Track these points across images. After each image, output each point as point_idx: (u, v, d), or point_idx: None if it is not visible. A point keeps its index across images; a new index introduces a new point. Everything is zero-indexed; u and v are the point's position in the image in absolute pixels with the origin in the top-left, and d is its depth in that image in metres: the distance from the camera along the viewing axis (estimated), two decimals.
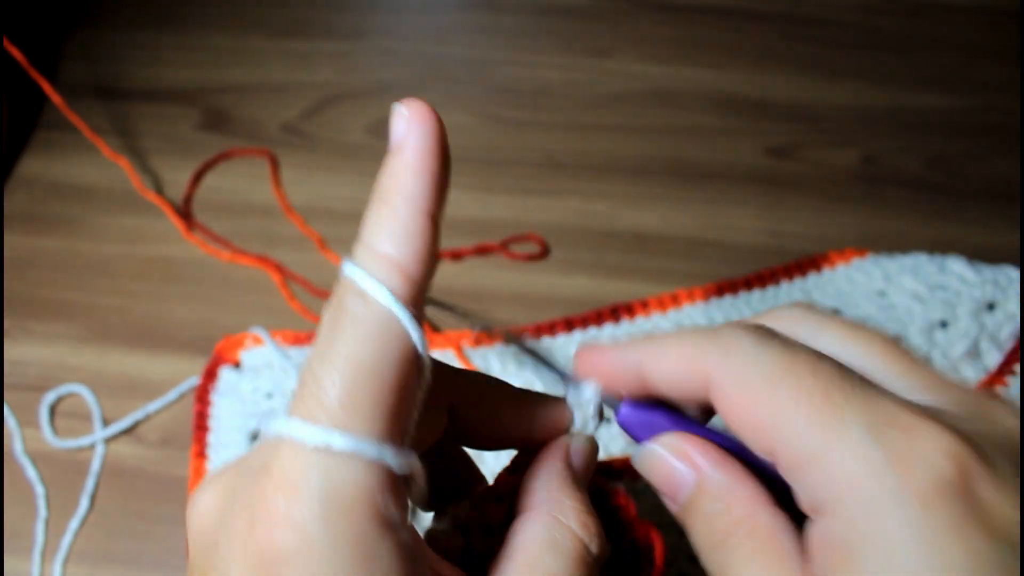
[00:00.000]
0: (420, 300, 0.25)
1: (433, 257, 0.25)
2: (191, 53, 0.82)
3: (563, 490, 0.29)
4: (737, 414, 0.26)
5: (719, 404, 0.27)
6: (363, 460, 0.23)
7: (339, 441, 0.23)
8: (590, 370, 0.31)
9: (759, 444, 0.25)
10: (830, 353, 0.26)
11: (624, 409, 0.31)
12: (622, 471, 0.35)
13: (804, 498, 0.24)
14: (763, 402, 0.24)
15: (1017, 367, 0.57)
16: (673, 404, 0.30)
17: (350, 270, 0.24)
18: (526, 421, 0.32)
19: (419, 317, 0.25)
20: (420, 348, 0.24)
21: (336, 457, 0.23)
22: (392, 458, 0.23)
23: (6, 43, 0.67)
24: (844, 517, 0.22)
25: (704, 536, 0.27)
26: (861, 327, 0.28)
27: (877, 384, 0.25)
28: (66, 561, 0.55)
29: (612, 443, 0.56)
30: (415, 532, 0.25)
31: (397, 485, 0.24)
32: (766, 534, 0.25)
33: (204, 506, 0.25)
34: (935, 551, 0.21)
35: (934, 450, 0.21)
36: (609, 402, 0.31)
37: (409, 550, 0.24)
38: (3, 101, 0.72)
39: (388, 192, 0.25)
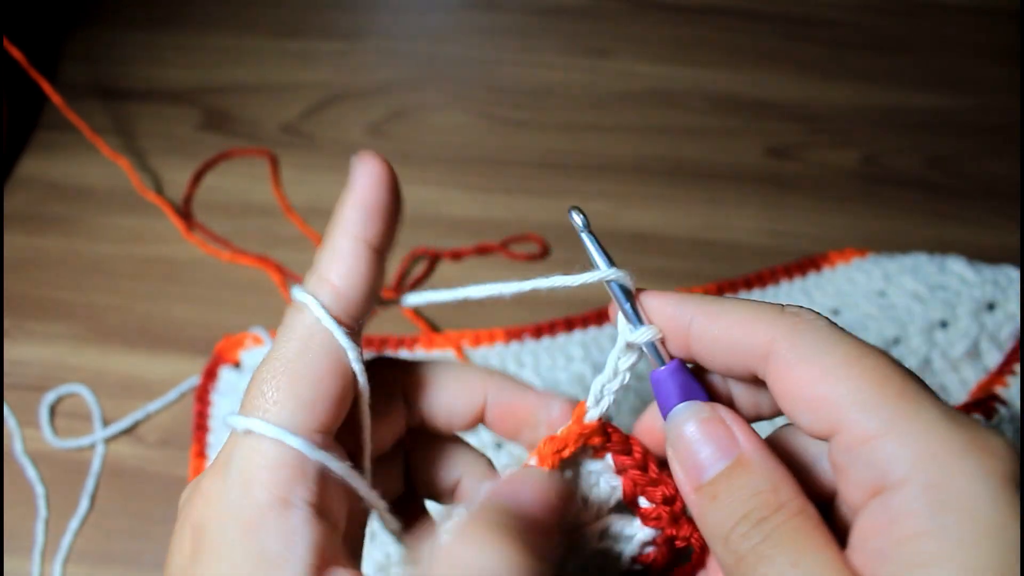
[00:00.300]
0: (355, 310, 0.29)
1: (369, 275, 0.29)
2: (191, 53, 0.82)
3: (483, 513, 0.27)
4: (798, 387, 0.26)
5: (777, 374, 0.26)
6: (271, 441, 0.27)
7: (256, 425, 0.27)
8: (649, 312, 0.30)
9: (817, 418, 0.25)
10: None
11: (671, 366, 0.29)
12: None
13: (863, 477, 0.24)
14: (834, 379, 0.25)
15: (1017, 367, 0.57)
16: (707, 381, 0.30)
17: (294, 291, 0.29)
18: (476, 397, 0.32)
19: (353, 323, 0.29)
20: (344, 345, 0.28)
21: (251, 438, 0.27)
22: (295, 440, 0.27)
23: (6, 43, 0.67)
24: (920, 490, 0.23)
25: (737, 512, 0.26)
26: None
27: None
28: (66, 561, 0.55)
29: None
30: (320, 520, 0.27)
31: (307, 471, 0.27)
32: (813, 518, 0.25)
33: (180, 501, 0.30)
34: (1010, 525, 0.22)
35: (1001, 446, 0.23)
36: (656, 354, 0.30)
37: (295, 531, 0.26)
38: (3, 101, 0.72)
39: (332, 224, 0.30)
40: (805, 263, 0.66)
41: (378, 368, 0.32)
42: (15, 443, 0.59)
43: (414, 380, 0.33)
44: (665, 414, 0.29)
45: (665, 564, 0.31)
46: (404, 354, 0.61)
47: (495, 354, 0.62)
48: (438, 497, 0.35)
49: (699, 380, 0.30)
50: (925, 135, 0.76)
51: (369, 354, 0.33)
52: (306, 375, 0.28)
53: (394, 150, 0.75)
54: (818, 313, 0.27)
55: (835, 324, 0.26)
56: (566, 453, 0.30)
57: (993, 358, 0.59)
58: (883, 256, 0.65)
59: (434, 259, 0.68)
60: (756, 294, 0.64)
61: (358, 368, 0.29)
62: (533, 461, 0.30)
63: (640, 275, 0.73)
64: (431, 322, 0.65)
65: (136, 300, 0.66)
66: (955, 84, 0.79)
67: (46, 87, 0.68)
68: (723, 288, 0.64)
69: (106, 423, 0.60)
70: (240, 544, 0.26)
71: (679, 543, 0.30)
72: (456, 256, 0.68)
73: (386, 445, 0.33)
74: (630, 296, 0.31)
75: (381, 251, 0.30)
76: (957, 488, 0.22)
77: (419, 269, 0.68)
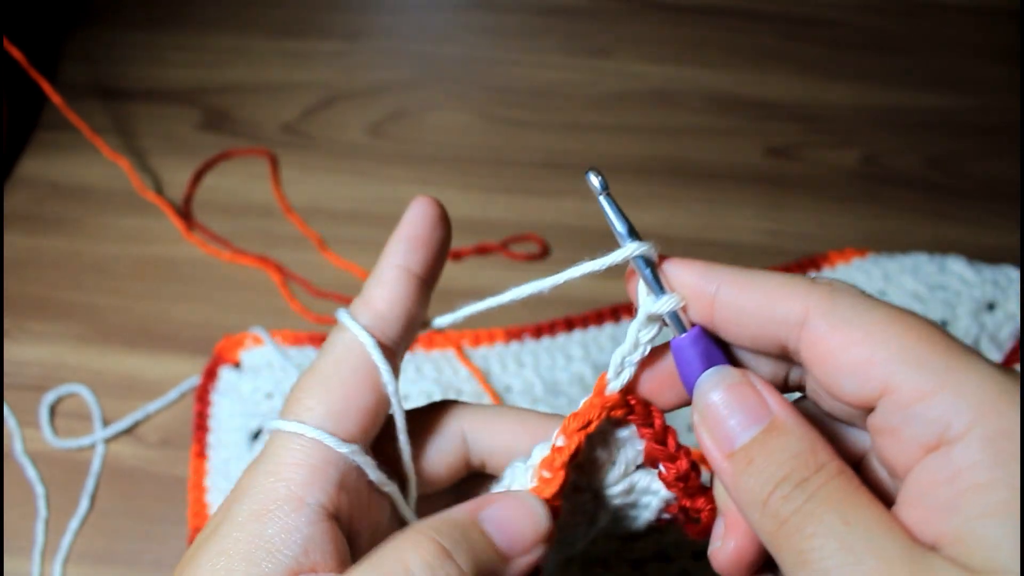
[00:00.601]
0: (393, 332, 0.31)
1: (410, 300, 0.32)
2: (191, 53, 0.82)
3: (431, 523, 0.27)
4: (838, 352, 0.25)
5: (813, 342, 0.26)
6: (299, 439, 0.29)
7: (283, 424, 0.29)
8: (672, 281, 0.30)
9: (862, 382, 0.25)
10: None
11: (693, 333, 0.29)
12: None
13: (918, 434, 0.24)
14: (878, 340, 0.24)
15: (1017, 367, 0.57)
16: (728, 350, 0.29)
17: (338, 312, 0.32)
18: (538, 438, 0.32)
19: (392, 344, 0.31)
20: (377, 361, 0.30)
21: (282, 437, 0.29)
22: (316, 432, 0.28)
23: (6, 43, 0.67)
24: (982, 441, 0.23)
25: (775, 476, 0.25)
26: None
27: None
28: (66, 561, 0.55)
29: None
30: (328, 524, 0.28)
31: (326, 472, 0.28)
32: (853, 477, 0.25)
33: None
34: None
35: None
36: (677, 323, 0.29)
37: (297, 528, 0.27)
38: (3, 101, 0.72)
39: (382, 256, 0.32)
40: (805, 263, 0.66)
41: (439, 408, 0.33)
42: (15, 443, 0.59)
43: (477, 420, 0.33)
44: (688, 382, 0.29)
45: (685, 521, 0.32)
46: (406, 355, 0.61)
47: (495, 354, 0.62)
48: None
49: (721, 347, 0.29)
50: (925, 135, 0.76)
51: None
52: (339, 387, 0.30)
53: (394, 150, 0.75)
54: (849, 284, 0.27)
55: (867, 293, 0.26)
56: (591, 429, 0.30)
57: (993, 358, 0.59)
58: (883, 256, 0.65)
59: None
60: None
61: (390, 386, 0.31)
62: (560, 440, 0.30)
63: None
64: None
65: (136, 300, 0.66)
66: (955, 84, 0.79)
67: (46, 87, 0.68)
68: None
69: (106, 423, 0.60)
70: (246, 526, 0.27)
71: (692, 515, 0.31)
72: (456, 256, 0.68)
73: (441, 479, 0.33)
74: (652, 266, 0.30)
75: (425, 279, 0.32)
76: (1020, 436, 0.22)
77: None
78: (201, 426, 0.59)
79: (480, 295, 0.72)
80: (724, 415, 0.27)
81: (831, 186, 0.73)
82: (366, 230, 0.70)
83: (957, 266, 0.63)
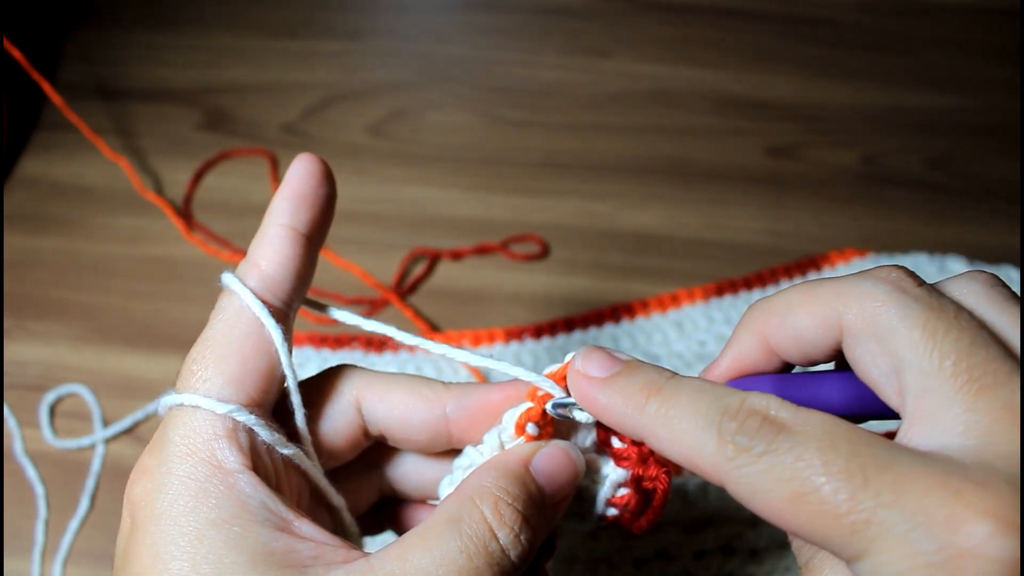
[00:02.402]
0: (283, 292, 0.31)
1: (297, 259, 0.31)
2: (191, 53, 0.82)
3: (494, 478, 0.28)
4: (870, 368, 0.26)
5: (854, 359, 0.26)
6: (202, 412, 0.28)
7: (185, 399, 0.28)
8: (717, 374, 0.30)
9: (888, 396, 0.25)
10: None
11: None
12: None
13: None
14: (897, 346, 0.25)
15: None
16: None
17: (223, 276, 0.31)
18: (434, 411, 0.32)
19: (283, 305, 0.31)
20: (267, 323, 0.30)
21: (184, 412, 0.28)
22: (222, 406, 0.28)
23: (6, 43, 0.67)
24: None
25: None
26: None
27: (920, 426, 0.24)
28: (66, 561, 0.55)
29: None
30: (262, 484, 0.28)
31: (238, 439, 0.28)
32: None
33: (127, 486, 0.31)
34: None
35: (982, 543, 0.21)
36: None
37: (244, 494, 0.27)
38: (3, 101, 0.72)
39: (266, 215, 0.31)
40: (805, 263, 0.66)
41: (333, 374, 0.33)
42: (15, 443, 0.59)
43: (370, 390, 0.33)
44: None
45: (635, 511, 0.32)
46: (403, 355, 0.61)
47: (495, 354, 0.62)
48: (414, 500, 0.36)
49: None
50: (925, 135, 0.76)
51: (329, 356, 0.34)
52: (232, 352, 0.29)
53: (394, 150, 0.75)
54: (879, 275, 0.26)
55: (903, 280, 0.26)
56: (535, 415, 0.31)
57: None
58: (883, 256, 0.65)
59: (434, 259, 0.68)
60: (756, 294, 0.64)
61: (282, 349, 0.30)
62: (509, 432, 0.31)
63: (640, 275, 0.73)
64: (431, 322, 0.65)
65: (136, 300, 0.66)
66: (955, 84, 0.79)
67: (46, 87, 0.68)
68: (723, 288, 0.64)
69: (106, 423, 0.60)
70: (187, 515, 0.27)
71: (646, 483, 0.31)
72: (456, 256, 0.68)
73: (340, 449, 0.33)
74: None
75: (311, 237, 0.32)
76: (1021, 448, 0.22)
77: (419, 269, 0.68)
78: None
79: (480, 295, 0.72)
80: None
81: (831, 186, 0.73)
82: (366, 230, 0.70)
83: (957, 266, 0.63)
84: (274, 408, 0.31)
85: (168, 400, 0.29)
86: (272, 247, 0.31)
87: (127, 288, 0.67)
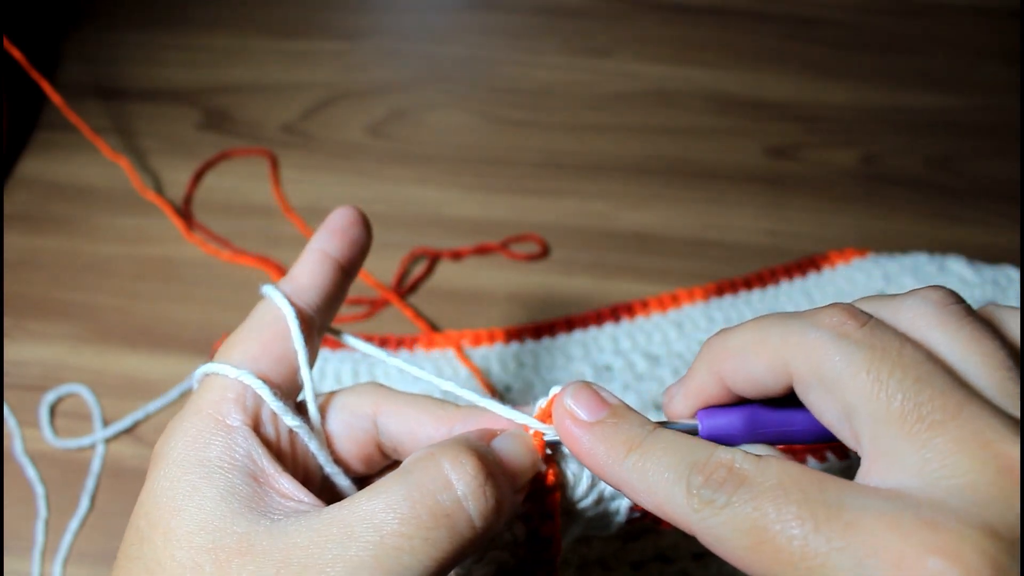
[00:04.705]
0: (314, 302, 0.35)
1: (329, 279, 0.35)
2: (191, 53, 0.82)
3: (458, 441, 0.29)
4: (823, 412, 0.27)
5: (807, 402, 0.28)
6: (220, 379, 0.31)
7: (206, 367, 0.32)
8: (681, 410, 0.31)
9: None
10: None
11: (704, 427, 0.30)
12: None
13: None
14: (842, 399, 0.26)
15: None
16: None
17: (263, 286, 0.35)
18: (442, 432, 0.33)
19: (312, 312, 0.34)
20: (289, 321, 0.33)
21: (205, 380, 0.32)
22: (233, 370, 0.31)
23: (6, 43, 0.67)
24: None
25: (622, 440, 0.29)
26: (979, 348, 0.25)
27: (877, 468, 0.24)
28: (66, 561, 0.55)
29: None
30: (256, 441, 0.30)
31: (246, 405, 0.31)
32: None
33: None
34: None
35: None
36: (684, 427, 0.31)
37: (236, 445, 0.30)
38: (3, 101, 0.72)
39: (308, 244, 0.36)
40: (805, 263, 0.66)
41: (358, 388, 0.35)
42: (15, 443, 0.59)
43: (387, 404, 0.34)
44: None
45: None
46: (404, 354, 0.61)
47: (495, 354, 0.62)
48: None
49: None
50: (925, 135, 0.76)
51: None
52: (256, 338, 0.33)
53: (394, 150, 0.75)
54: (827, 316, 0.27)
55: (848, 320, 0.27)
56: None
57: None
58: (883, 256, 0.65)
59: (434, 259, 0.68)
60: (756, 294, 0.64)
61: (298, 342, 0.33)
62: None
63: (640, 275, 0.73)
64: (431, 322, 0.65)
65: (136, 300, 0.66)
66: (955, 84, 0.79)
67: (46, 87, 0.68)
68: (723, 288, 0.64)
69: (106, 423, 0.60)
70: (184, 457, 0.29)
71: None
72: (456, 256, 0.68)
73: (354, 461, 0.34)
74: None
75: (344, 266, 0.36)
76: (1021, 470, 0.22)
77: (419, 269, 0.68)
78: None
79: (480, 295, 0.72)
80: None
81: (831, 186, 0.73)
82: None
83: (957, 266, 0.63)
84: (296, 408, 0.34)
85: (196, 374, 0.33)
86: (306, 265, 0.35)
87: (127, 288, 0.67)
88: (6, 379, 0.62)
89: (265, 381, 0.32)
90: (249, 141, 0.76)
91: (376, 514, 0.26)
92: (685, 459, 0.26)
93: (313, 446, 0.33)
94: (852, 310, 0.26)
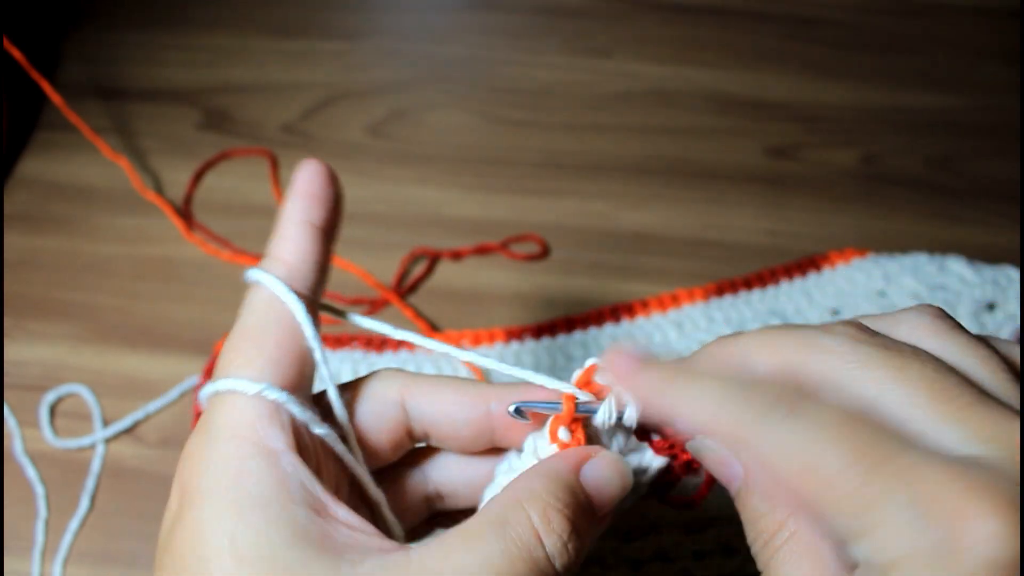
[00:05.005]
0: (308, 280, 0.32)
1: (317, 250, 0.32)
2: (191, 53, 0.82)
3: (545, 483, 0.28)
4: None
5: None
6: (243, 396, 0.29)
7: (224, 384, 0.29)
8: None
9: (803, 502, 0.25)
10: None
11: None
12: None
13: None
14: (802, 475, 0.24)
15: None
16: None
17: (248, 272, 0.32)
18: (476, 409, 0.32)
19: (309, 293, 0.31)
20: (295, 312, 0.30)
21: (225, 397, 0.29)
22: (276, 393, 0.29)
23: (6, 43, 0.67)
24: None
25: (751, 530, 0.28)
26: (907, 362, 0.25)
27: (917, 440, 0.24)
28: (66, 561, 0.55)
29: None
30: (304, 465, 0.28)
31: (282, 422, 0.29)
32: (808, 541, 0.26)
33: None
34: None
35: (983, 540, 0.21)
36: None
37: (286, 474, 0.27)
38: (3, 101, 0.72)
39: (280, 216, 0.33)
40: (805, 263, 0.66)
41: (376, 375, 0.33)
42: (15, 443, 0.59)
43: (415, 388, 0.33)
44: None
45: (683, 475, 0.32)
46: (404, 354, 0.62)
47: (495, 354, 0.62)
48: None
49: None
50: (925, 135, 0.76)
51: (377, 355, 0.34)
52: (268, 338, 0.30)
53: (394, 150, 0.75)
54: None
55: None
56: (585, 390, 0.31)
57: None
58: (883, 256, 0.65)
59: (434, 259, 0.68)
60: (756, 294, 0.64)
61: (309, 329, 0.31)
62: (544, 438, 0.31)
63: (640, 275, 0.73)
64: (431, 322, 0.65)
65: (136, 300, 0.66)
66: (955, 84, 0.79)
67: (46, 87, 0.68)
68: (723, 288, 0.64)
69: (106, 423, 0.60)
70: (230, 492, 0.27)
71: (694, 466, 0.32)
72: (456, 256, 0.68)
73: (384, 449, 0.33)
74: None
75: (326, 230, 0.32)
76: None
77: (419, 269, 0.68)
78: None
79: (480, 295, 0.72)
80: (714, 472, 0.29)
81: (831, 186, 0.73)
82: (366, 230, 0.70)
83: (957, 266, 0.63)
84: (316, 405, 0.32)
85: (207, 390, 0.30)
86: (292, 241, 0.32)
87: (127, 288, 0.67)
88: (6, 379, 0.62)
89: (287, 389, 0.29)
90: (249, 141, 0.76)
91: (477, 570, 0.25)
92: (736, 378, 0.26)
93: (347, 456, 0.31)
94: (862, 325, 0.27)
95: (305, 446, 0.29)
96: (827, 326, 0.27)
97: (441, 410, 0.32)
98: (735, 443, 0.26)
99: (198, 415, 0.59)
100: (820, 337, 0.26)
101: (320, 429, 0.30)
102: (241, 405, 0.29)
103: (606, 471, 0.30)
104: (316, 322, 0.31)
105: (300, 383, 0.30)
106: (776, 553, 0.26)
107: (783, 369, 0.27)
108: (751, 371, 0.28)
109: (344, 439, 0.32)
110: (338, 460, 0.31)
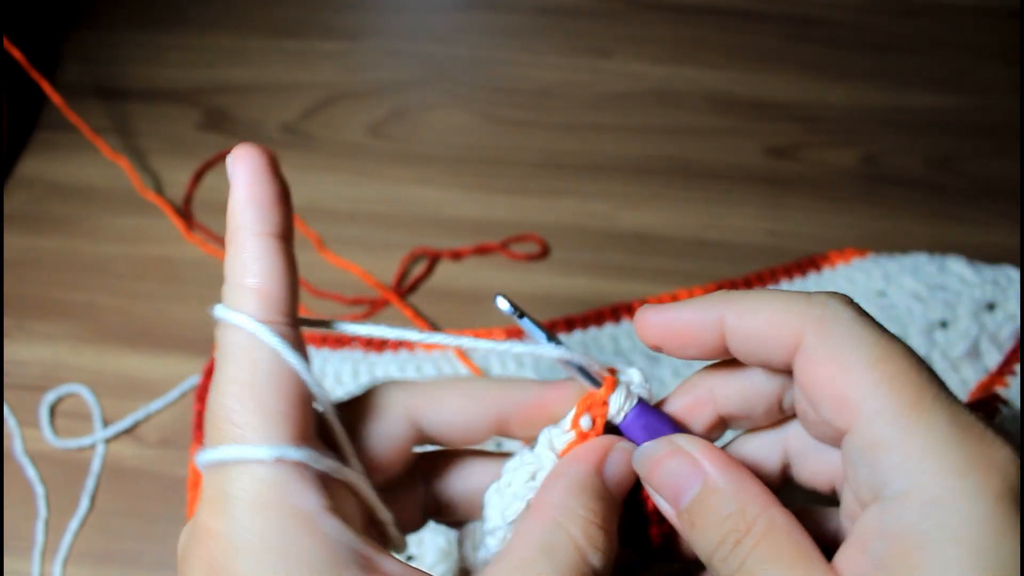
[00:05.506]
0: (285, 305, 0.28)
1: (283, 265, 0.28)
2: (191, 53, 0.82)
3: (577, 496, 0.28)
4: (821, 384, 0.26)
5: (803, 369, 0.27)
6: (263, 462, 0.26)
7: (235, 452, 0.26)
8: (662, 330, 0.29)
9: (836, 415, 0.26)
10: None
11: (632, 413, 0.30)
12: None
13: (868, 479, 0.25)
14: (854, 378, 0.25)
15: (1017, 367, 0.57)
16: (680, 421, 0.31)
17: (217, 311, 0.28)
18: (486, 409, 0.32)
19: (288, 319, 0.28)
20: (285, 355, 0.27)
21: (243, 467, 0.26)
22: (295, 452, 0.26)
23: (6, 43, 0.67)
24: (918, 505, 0.23)
25: (713, 538, 0.27)
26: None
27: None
28: (66, 561, 0.55)
29: None
30: (342, 524, 0.27)
31: (308, 478, 0.27)
32: (785, 531, 0.26)
33: (179, 546, 0.28)
34: (1004, 544, 0.22)
35: (1005, 460, 0.23)
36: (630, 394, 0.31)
37: (330, 538, 0.26)
38: (3, 101, 0.72)
39: (231, 229, 0.29)
40: (805, 263, 0.66)
41: (378, 391, 0.32)
42: (15, 443, 0.59)
43: (422, 400, 0.32)
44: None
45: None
46: (404, 353, 0.61)
47: (495, 354, 0.62)
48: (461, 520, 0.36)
49: (663, 413, 0.31)
50: (925, 135, 0.76)
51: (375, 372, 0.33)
52: (267, 390, 0.27)
53: (394, 150, 0.75)
54: (846, 300, 0.27)
55: (862, 313, 0.27)
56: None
57: (993, 358, 0.59)
58: (883, 256, 0.65)
59: (434, 259, 0.68)
60: None
61: (307, 376, 0.28)
62: (563, 426, 0.31)
63: (640, 275, 0.73)
64: (431, 322, 0.65)
65: (136, 300, 0.66)
66: (955, 84, 0.79)
67: (46, 87, 0.68)
68: (723, 288, 0.64)
69: (106, 423, 0.60)
70: (278, 570, 0.25)
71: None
72: (456, 256, 0.68)
73: (394, 465, 0.32)
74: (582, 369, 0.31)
75: (286, 237, 0.29)
76: (955, 508, 0.23)
77: (419, 269, 0.68)
78: (201, 426, 0.59)
79: (480, 295, 0.72)
80: (665, 481, 0.28)
81: (831, 186, 0.73)
82: (366, 230, 0.70)
83: (957, 266, 0.63)
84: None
85: (208, 458, 0.27)
86: (258, 262, 0.28)
87: (127, 288, 0.67)
88: (6, 379, 0.62)
89: (298, 442, 0.27)
90: (249, 141, 0.76)
91: None
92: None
93: (366, 491, 0.30)
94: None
95: (337, 499, 0.28)
96: (821, 293, 0.28)
97: (449, 418, 0.32)
98: (799, 331, 0.26)
99: (199, 416, 0.59)
100: (823, 302, 0.28)
101: (345, 475, 0.29)
102: (259, 471, 0.26)
103: (625, 466, 0.30)
104: (303, 353, 0.29)
105: (307, 430, 0.28)
106: (753, 550, 0.26)
107: (781, 330, 0.28)
108: (755, 330, 0.28)
109: (346, 460, 0.30)
110: (351, 491, 0.30)
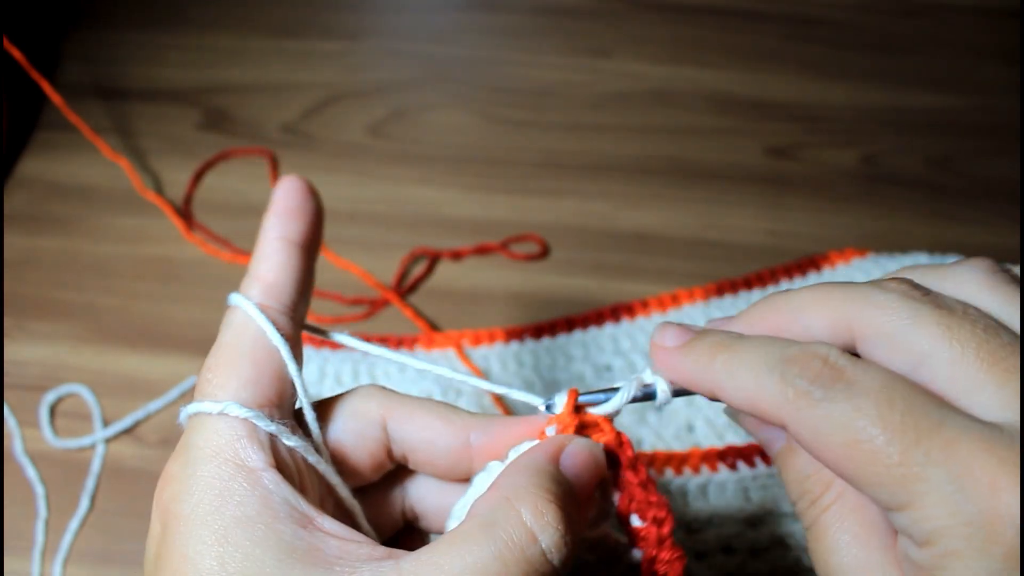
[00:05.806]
0: (287, 297, 0.32)
1: (297, 267, 0.32)
2: (191, 53, 0.82)
3: (530, 476, 0.27)
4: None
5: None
6: (224, 417, 0.29)
7: (205, 407, 0.29)
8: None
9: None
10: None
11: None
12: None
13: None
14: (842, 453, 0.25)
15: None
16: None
17: (230, 297, 0.33)
18: (459, 436, 0.32)
19: (288, 311, 0.32)
20: (269, 332, 0.31)
21: (202, 419, 0.29)
22: (243, 410, 0.29)
23: (6, 43, 0.67)
24: (937, 552, 0.23)
25: (795, 489, 0.29)
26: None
27: (959, 400, 0.25)
28: (66, 561, 0.55)
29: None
30: (285, 481, 0.28)
31: (261, 439, 0.29)
32: (855, 502, 0.27)
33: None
34: None
35: (1016, 510, 0.22)
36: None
37: (269, 491, 0.27)
38: (3, 101, 0.72)
39: (259, 234, 0.33)
40: (805, 263, 0.66)
41: (360, 392, 0.33)
42: (15, 443, 0.59)
43: (397, 409, 0.32)
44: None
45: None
46: (404, 353, 0.61)
47: (495, 354, 0.62)
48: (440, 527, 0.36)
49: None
50: (925, 135, 0.76)
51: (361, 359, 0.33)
52: (243, 357, 0.30)
53: (394, 150, 0.75)
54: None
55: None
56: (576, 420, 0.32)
57: None
58: (883, 256, 0.65)
59: (434, 259, 0.68)
60: (756, 294, 0.64)
61: (284, 350, 0.31)
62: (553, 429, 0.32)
63: (640, 275, 0.73)
64: (431, 322, 0.65)
65: (136, 300, 0.66)
66: (955, 84, 0.79)
67: (46, 87, 0.68)
68: (723, 288, 0.64)
69: (106, 423, 0.60)
70: (213, 515, 0.27)
71: (659, 567, 0.30)
72: (456, 256, 0.68)
73: (364, 468, 0.33)
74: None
75: (306, 246, 0.33)
76: (961, 567, 0.23)
77: (419, 269, 0.68)
78: None
79: (480, 295, 0.72)
80: (753, 432, 0.30)
81: (831, 186, 0.73)
82: (366, 230, 0.70)
83: None
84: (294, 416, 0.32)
85: (189, 409, 0.30)
86: (270, 259, 0.32)
87: (127, 288, 0.67)
88: (6, 379, 0.62)
89: (269, 408, 0.30)
90: (249, 141, 0.76)
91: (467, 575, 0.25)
92: (777, 352, 0.27)
93: (329, 473, 0.31)
94: (912, 282, 0.27)
95: (285, 462, 0.29)
96: (880, 282, 0.27)
97: (421, 435, 0.32)
98: (778, 421, 0.26)
99: None
100: (873, 293, 0.27)
101: (290, 441, 0.30)
102: (219, 426, 0.29)
103: (584, 456, 0.29)
104: (296, 339, 0.32)
105: (280, 401, 0.30)
106: (825, 512, 0.27)
107: (836, 325, 0.27)
108: (804, 329, 0.28)
109: (319, 451, 0.31)
110: (320, 475, 0.31)
